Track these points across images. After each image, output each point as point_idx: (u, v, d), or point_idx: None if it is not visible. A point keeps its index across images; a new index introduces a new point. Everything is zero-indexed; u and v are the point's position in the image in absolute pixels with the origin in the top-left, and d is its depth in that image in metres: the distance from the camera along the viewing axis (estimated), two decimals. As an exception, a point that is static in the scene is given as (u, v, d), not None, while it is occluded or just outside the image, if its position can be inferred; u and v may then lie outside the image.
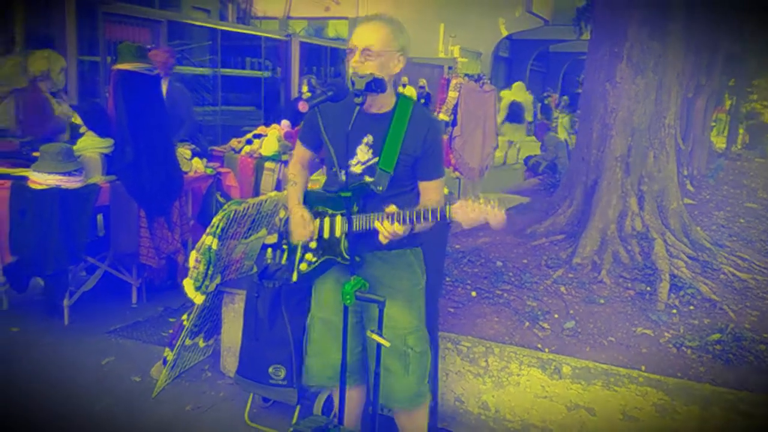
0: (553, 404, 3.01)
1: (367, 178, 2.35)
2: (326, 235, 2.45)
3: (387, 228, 2.18)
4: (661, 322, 3.42)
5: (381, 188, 2.33)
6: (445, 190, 2.54)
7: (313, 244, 2.48)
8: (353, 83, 2.21)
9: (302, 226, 2.44)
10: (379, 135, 2.35)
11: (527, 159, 9.30)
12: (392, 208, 2.19)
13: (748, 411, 2.74)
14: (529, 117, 11.72)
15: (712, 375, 2.97)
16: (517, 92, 11.79)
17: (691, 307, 3.61)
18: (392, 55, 2.32)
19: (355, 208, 2.32)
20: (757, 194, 7.28)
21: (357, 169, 2.37)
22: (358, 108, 2.24)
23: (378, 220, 2.22)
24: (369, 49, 2.28)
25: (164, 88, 5.36)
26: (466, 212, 2.04)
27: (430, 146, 2.38)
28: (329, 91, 2.24)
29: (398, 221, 2.17)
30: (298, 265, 2.54)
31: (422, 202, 2.39)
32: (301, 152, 2.62)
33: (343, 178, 2.32)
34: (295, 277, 2.56)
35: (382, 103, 2.36)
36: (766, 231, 5.47)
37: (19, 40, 6.85)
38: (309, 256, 2.50)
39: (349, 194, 2.29)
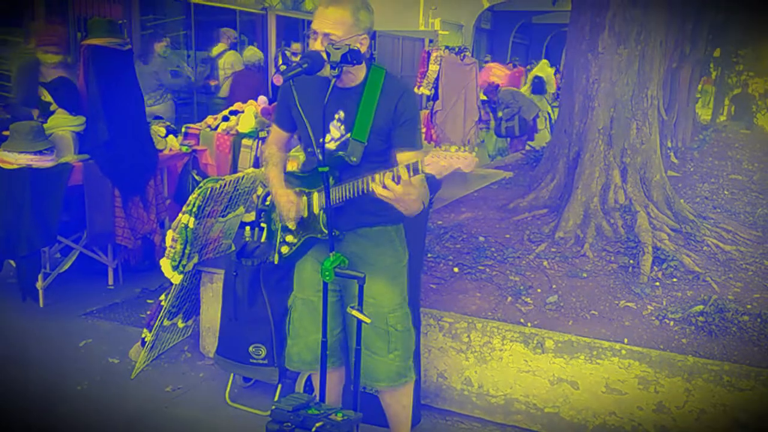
0: (537, 378, 2.99)
1: (341, 153, 2.28)
2: (305, 214, 2.39)
3: (383, 184, 2.07)
4: (644, 295, 3.40)
5: (355, 159, 2.25)
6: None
7: (292, 225, 2.42)
8: (329, 55, 2.12)
9: (290, 209, 2.38)
10: (351, 110, 2.27)
11: (497, 128, 9.04)
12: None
13: (731, 382, 2.74)
14: (550, 89, 12.08)
15: (695, 347, 2.97)
16: (541, 68, 12.29)
17: (674, 280, 3.60)
18: (355, 39, 2.21)
19: (332, 181, 2.25)
20: (742, 166, 7.29)
21: (331, 146, 2.31)
22: (334, 80, 2.16)
23: (353, 188, 2.16)
24: (331, 37, 2.18)
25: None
26: (437, 162, 2.01)
27: (405, 116, 2.29)
28: (304, 64, 2.15)
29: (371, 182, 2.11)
30: (279, 248, 2.49)
31: None
32: (276, 133, 2.54)
33: (320, 156, 2.26)
34: (276, 260, 2.53)
35: (353, 77, 2.26)
36: (750, 203, 5.48)
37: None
38: (289, 237, 2.45)
39: (326, 169, 2.22)
